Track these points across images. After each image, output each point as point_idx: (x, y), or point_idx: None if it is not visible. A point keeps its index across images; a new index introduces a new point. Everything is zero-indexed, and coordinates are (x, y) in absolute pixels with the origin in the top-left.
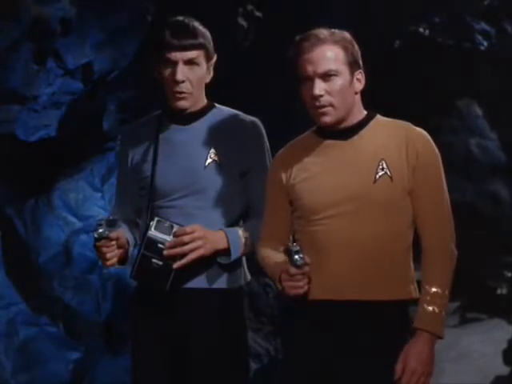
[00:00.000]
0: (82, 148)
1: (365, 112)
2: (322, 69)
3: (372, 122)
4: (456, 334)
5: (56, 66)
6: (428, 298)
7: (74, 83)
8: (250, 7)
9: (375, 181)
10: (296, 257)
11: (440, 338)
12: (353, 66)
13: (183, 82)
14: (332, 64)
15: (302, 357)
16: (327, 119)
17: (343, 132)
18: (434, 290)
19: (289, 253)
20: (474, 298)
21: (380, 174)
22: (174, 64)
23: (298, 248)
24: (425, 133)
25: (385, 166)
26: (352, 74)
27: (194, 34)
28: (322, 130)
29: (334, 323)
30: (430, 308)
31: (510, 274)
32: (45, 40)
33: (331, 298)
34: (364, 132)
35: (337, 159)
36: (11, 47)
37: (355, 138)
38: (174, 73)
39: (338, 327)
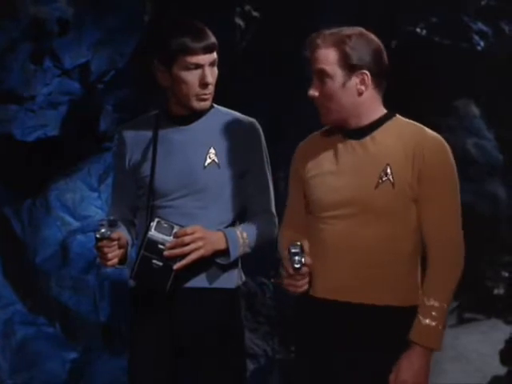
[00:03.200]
0: (79, 148)
1: (383, 112)
2: (315, 69)
3: (387, 124)
4: (453, 334)
5: (53, 66)
6: (424, 310)
7: (71, 83)
8: (247, 7)
9: (377, 186)
10: (295, 258)
11: (436, 350)
12: (351, 67)
13: (211, 84)
14: (323, 65)
15: (304, 352)
16: (322, 119)
17: (356, 132)
18: (431, 303)
19: (289, 253)
20: (471, 298)
21: (383, 179)
22: (201, 67)
23: (297, 249)
24: (438, 139)
25: (389, 171)
26: (349, 75)
27: (210, 35)
28: (341, 128)
29: (333, 322)
30: (426, 321)
31: (507, 274)
32: (42, 40)
33: (331, 297)
34: (377, 133)
35: (347, 159)
36: (8, 47)
37: (367, 138)
38: (203, 76)
39: (336, 326)
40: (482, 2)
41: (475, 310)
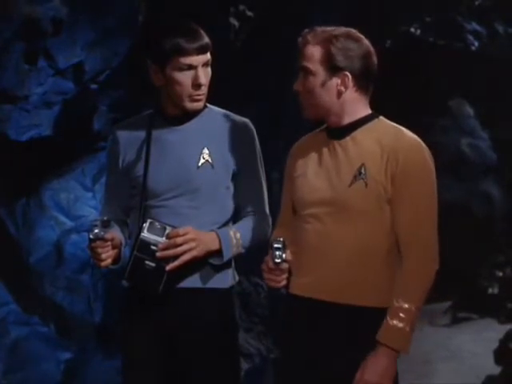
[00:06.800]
0: (73, 148)
1: (366, 114)
2: (300, 65)
3: (369, 125)
4: (447, 333)
5: (47, 66)
6: (393, 311)
7: (65, 83)
8: (241, 7)
9: (351, 185)
10: (276, 253)
11: (403, 352)
12: (333, 68)
13: (204, 84)
14: (307, 62)
15: (284, 346)
16: (304, 113)
17: (337, 132)
18: (400, 304)
19: (271, 248)
20: (465, 298)
21: (357, 178)
22: (194, 68)
23: (279, 245)
24: (415, 142)
25: (363, 171)
26: (330, 76)
27: (203, 35)
28: (327, 128)
29: (307, 319)
30: (394, 322)
31: (501, 274)
32: (36, 40)
33: (304, 294)
34: (358, 134)
35: (328, 159)
36: (2, 47)
37: (347, 138)
38: (196, 77)
39: (311, 324)
40: (476, 2)
41: (469, 309)
